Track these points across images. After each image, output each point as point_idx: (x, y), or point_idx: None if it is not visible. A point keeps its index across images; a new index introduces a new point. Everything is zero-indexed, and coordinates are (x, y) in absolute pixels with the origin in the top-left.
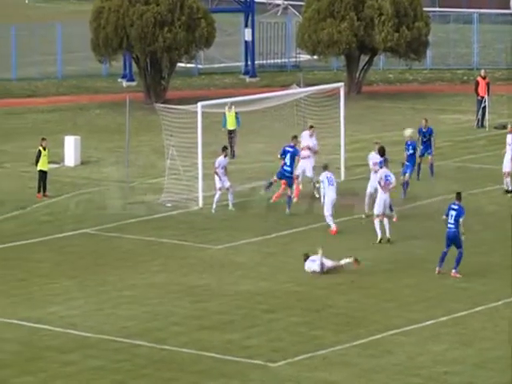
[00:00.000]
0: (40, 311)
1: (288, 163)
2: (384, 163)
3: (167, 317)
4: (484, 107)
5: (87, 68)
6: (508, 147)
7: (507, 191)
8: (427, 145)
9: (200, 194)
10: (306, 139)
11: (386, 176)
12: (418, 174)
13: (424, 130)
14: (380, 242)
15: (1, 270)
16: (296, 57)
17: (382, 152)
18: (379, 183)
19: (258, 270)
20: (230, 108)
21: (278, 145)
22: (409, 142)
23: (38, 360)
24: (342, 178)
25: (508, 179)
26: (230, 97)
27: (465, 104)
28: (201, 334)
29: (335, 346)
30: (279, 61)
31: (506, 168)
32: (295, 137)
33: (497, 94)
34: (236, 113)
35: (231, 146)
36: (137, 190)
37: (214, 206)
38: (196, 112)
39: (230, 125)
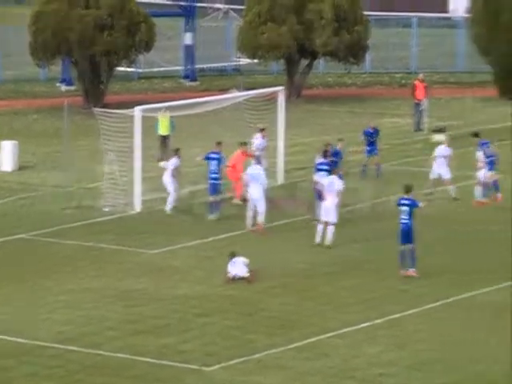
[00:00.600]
0: None
1: (214, 170)
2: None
3: (102, 321)
4: (422, 110)
5: (25, 72)
6: (442, 159)
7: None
8: (373, 146)
9: (137, 199)
10: (259, 141)
11: (330, 183)
12: (363, 175)
13: (371, 131)
14: (319, 245)
15: None
16: (236, 61)
17: (325, 155)
18: (324, 190)
19: (194, 273)
20: (164, 113)
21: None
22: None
23: None
24: (282, 181)
25: (451, 186)
26: (170, 101)
27: (403, 108)
28: (136, 339)
29: (270, 350)
30: (219, 65)
31: (443, 175)
32: (219, 143)
33: (435, 98)
34: (170, 117)
35: (163, 152)
36: (75, 194)
37: (170, 206)
38: (134, 116)
39: (164, 130)
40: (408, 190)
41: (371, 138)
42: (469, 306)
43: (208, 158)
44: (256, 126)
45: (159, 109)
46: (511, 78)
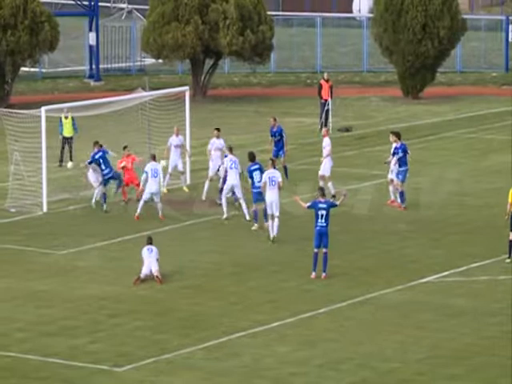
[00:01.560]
0: None
1: (104, 167)
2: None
3: (11, 323)
4: (327, 110)
5: None
6: (324, 151)
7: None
8: (280, 145)
9: (44, 199)
10: (215, 142)
11: (271, 177)
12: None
13: (274, 130)
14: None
15: None
16: (141, 60)
17: (251, 157)
18: (265, 185)
19: (102, 274)
20: (66, 114)
21: (120, 149)
22: (397, 146)
23: None
24: (188, 181)
25: (330, 183)
26: (75, 101)
27: (308, 107)
28: (45, 340)
29: (181, 350)
30: (124, 65)
31: (324, 172)
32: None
33: (340, 97)
34: (73, 119)
35: (69, 152)
36: None
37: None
38: (40, 116)
39: (67, 132)
40: (323, 192)
41: (275, 136)
42: (375, 305)
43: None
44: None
45: (62, 109)
46: (414, 77)
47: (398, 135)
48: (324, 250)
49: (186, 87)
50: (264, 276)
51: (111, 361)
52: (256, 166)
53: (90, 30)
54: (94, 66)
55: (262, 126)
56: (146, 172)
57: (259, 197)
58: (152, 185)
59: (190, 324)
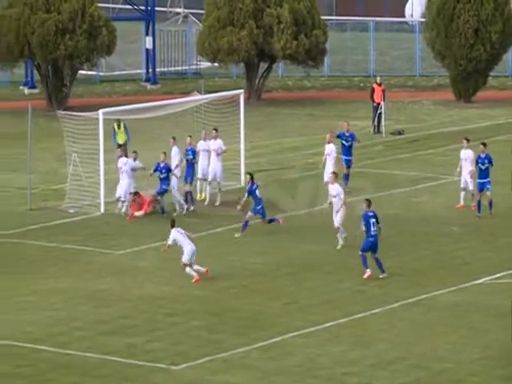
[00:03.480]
0: None
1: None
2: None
3: (70, 322)
4: (380, 113)
5: None
6: (328, 157)
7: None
8: (349, 152)
9: (102, 200)
10: (212, 143)
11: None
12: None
13: (347, 135)
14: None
15: None
16: (197, 64)
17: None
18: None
19: (159, 274)
20: (118, 125)
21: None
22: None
23: None
24: (242, 183)
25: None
26: (132, 104)
27: (361, 110)
28: (104, 339)
29: (235, 349)
30: (180, 68)
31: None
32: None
33: (392, 101)
34: (125, 127)
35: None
36: (39, 196)
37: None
38: (97, 119)
39: (120, 139)
40: (370, 203)
41: (346, 142)
42: (428, 306)
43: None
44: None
45: (122, 112)
46: (466, 81)
47: (484, 145)
48: (375, 255)
49: (241, 90)
50: (318, 277)
51: (168, 359)
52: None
53: (147, 34)
54: (150, 70)
55: (315, 129)
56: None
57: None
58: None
59: (245, 324)
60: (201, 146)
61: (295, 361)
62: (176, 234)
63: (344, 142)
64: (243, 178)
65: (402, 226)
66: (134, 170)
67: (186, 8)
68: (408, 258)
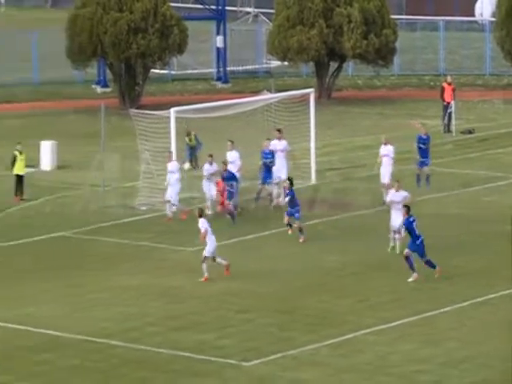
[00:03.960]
0: (16, 312)
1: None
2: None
3: (142, 317)
4: (450, 113)
5: (63, 74)
6: (385, 158)
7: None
8: (426, 154)
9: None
10: (276, 143)
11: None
12: (419, 184)
13: (424, 137)
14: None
15: None
16: (267, 63)
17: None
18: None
19: (230, 271)
20: (188, 135)
21: (248, 149)
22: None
23: (13, 359)
24: (314, 181)
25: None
26: (203, 102)
27: (432, 109)
28: (175, 335)
29: (306, 346)
30: (250, 67)
31: (384, 179)
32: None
33: (462, 100)
34: (195, 135)
35: (195, 160)
36: (112, 193)
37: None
38: (169, 117)
39: (192, 143)
40: (409, 209)
41: (423, 144)
42: (496, 305)
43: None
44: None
45: (193, 110)
46: None
47: None
48: (425, 258)
49: (311, 89)
50: (386, 275)
51: (239, 355)
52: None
53: (218, 33)
54: (221, 69)
55: (385, 128)
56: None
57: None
58: None
59: (315, 321)
60: (273, 146)
61: (365, 358)
62: (205, 224)
63: (422, 145)
64: (313, 177)
65: (470, 225)
66: (212, 175)
67: (256, 7)
68: (476, 258)
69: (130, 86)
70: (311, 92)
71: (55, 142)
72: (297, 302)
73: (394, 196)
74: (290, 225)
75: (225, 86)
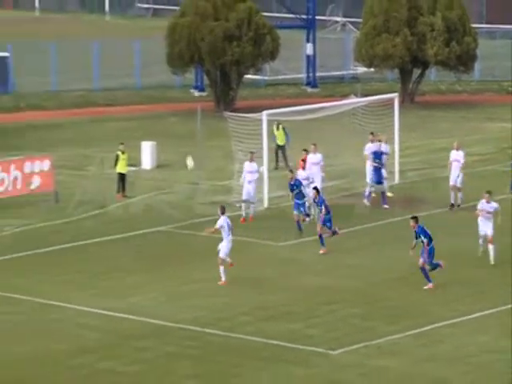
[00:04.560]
0: (119, 302)
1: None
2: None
3: (235, 308)
4: None
5: (163, 79)
6: (455, 163)
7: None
8: None
9: (265, 195)
10: (372, 147)
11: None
12: None
13: None
14: None
15: (82, 265)
16: (354, 69)
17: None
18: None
19: (317, 265)
20: (277, 127)
21: (336, 151)
22: None
23: (118, 346)
24: (396, 181)
25: (457, 193)
26: (294, 106)
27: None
28: (266, 324)
29: (388, 336)
30: (338, 73)
31: (453, 182)
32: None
33: None
34: (284, 129)
35: (280, 160)
36: (208, 191)
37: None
38: (261, 120)
39: (280, 141)
40: (417, 219)
41: None
42: None
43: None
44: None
45: (284, 113)
46: None
47: None
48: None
49: (395, 94)
50: (465, 269)
51: (326, 344)
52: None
53: (308, 41)
54: (311, 74)
55: (466, 131)
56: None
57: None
58: None
59: (397, 312)
60: (369, 149)
61: (445, 348)
62: (223, 222)
63: None
64: (397, 177)
65: None
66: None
67: (344, 17)
68: None
69: (224, 91)
70: (395, 96)
71: (155, 142)
72: (378, 294)
73: (485, 206)
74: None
75: (314, 90)
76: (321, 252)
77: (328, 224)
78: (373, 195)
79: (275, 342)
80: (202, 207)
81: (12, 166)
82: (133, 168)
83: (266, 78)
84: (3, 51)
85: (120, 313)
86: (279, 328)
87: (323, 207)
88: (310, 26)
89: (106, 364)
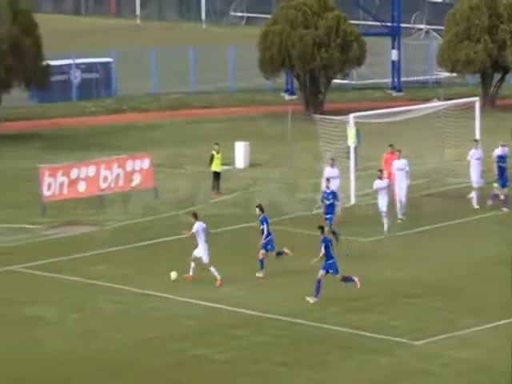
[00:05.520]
0: (213, 292)
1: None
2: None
3: (323, 299)
4: None
5: (255, 83)
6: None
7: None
8: None
9: (352, 193)
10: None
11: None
12: None
13: None
14: None
15: (179, 257)
16: (437, 74)
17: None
18: None
19: (399, 260)
20: (349, 125)
21: (420, 152)
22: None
23: (212, 334)
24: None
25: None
26: (379, 109)
27: None
28: (352, 315)
29: (470, 328)
30: (422, 78)
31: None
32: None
33: None
34: (357, 130)
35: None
36: (298, 189)
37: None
38: (349, 122)
39: (352, 141)
40: (323, 229)
41: None
42: None
43: None
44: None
45: (371, 116)
46: None
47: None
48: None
49: (476, 98)
50: None
51: (409, 335)
52: None
53: (393, 47)
54: (396, 79)
55: None
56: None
57: None
58: None
59: (478, 306)
60: (474, 155)
61: None
62: (198, 227)
63: None
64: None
65: None
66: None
67: (427, 24)
68: None
69: (313, 94)
70: (476, 100)
71: (248, 142)
72: (460, 288)
73: None
74: None
75: (399, 94)
76: (258, 275)
77: (269, 247)
78: (501, 197)
79: (361, 333)
80: (291, 205)
81: (115, 165)
82: (227, 167)
83: (352, 82)
84: (107, 57)
85: (214, 303)
86: (365, 319)
87: (265, 227)
88: (395, 34)
89: (201, 351)
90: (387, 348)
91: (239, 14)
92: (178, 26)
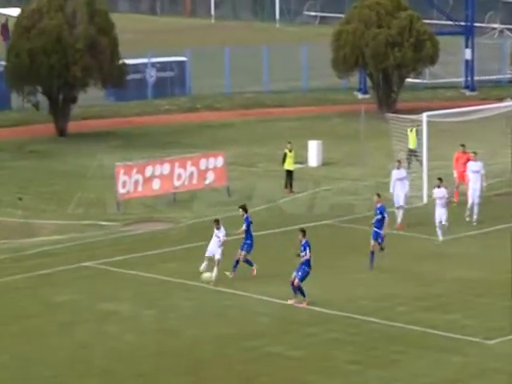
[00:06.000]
0: (287, 289)
1: None
2: None
3: (394, 298)
4: None
5: (328, 82)
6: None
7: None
8: None
9: (424, 192)
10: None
11: None
12: None
13: None
14: None
15: (253, 254)
16: (510, 73)
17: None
18: None
19: (471, 260)
20: (411, 129)
21: (492, 151)
22: None
23: (286, 331)
24: None
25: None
26: (452, 108)
27: None
28: (424, 314)
29: None
30: (495, 77)
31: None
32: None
33: None
34: (417, 132)
35: (411, 162)
36: (371, 187)
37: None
38: (421, 121)
39: (412, 144)
40: (305, 233)
41: None
42: None
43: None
44: None
45: (444, 115)
46: None
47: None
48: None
49: None
50: None
51: (482, 334)
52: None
53: (467, 46)
54: (469, 78)
55: None
56: None
57: None
58: None
59: None
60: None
61: None
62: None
63: None
64: None
65: None
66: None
67: (501, 23)
68: None
69: (386, 93)
70: None
71: (320, 141)
72: None
73: None
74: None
75: (472, 93)
76: (228, 274)
77: (245, 247)
78: None
79: (433, 332)
80: (363, 203)
81: (188, 163)
82: (300, 165)
83: (425, 81)
84: (182, 56)
85: (287, 300)
86: (436, 318)
87: (245, 226)
88: (468, 33)
89: (275, 348)
90: (459, 347)
91: (313, 14)
92: (252, 25)
